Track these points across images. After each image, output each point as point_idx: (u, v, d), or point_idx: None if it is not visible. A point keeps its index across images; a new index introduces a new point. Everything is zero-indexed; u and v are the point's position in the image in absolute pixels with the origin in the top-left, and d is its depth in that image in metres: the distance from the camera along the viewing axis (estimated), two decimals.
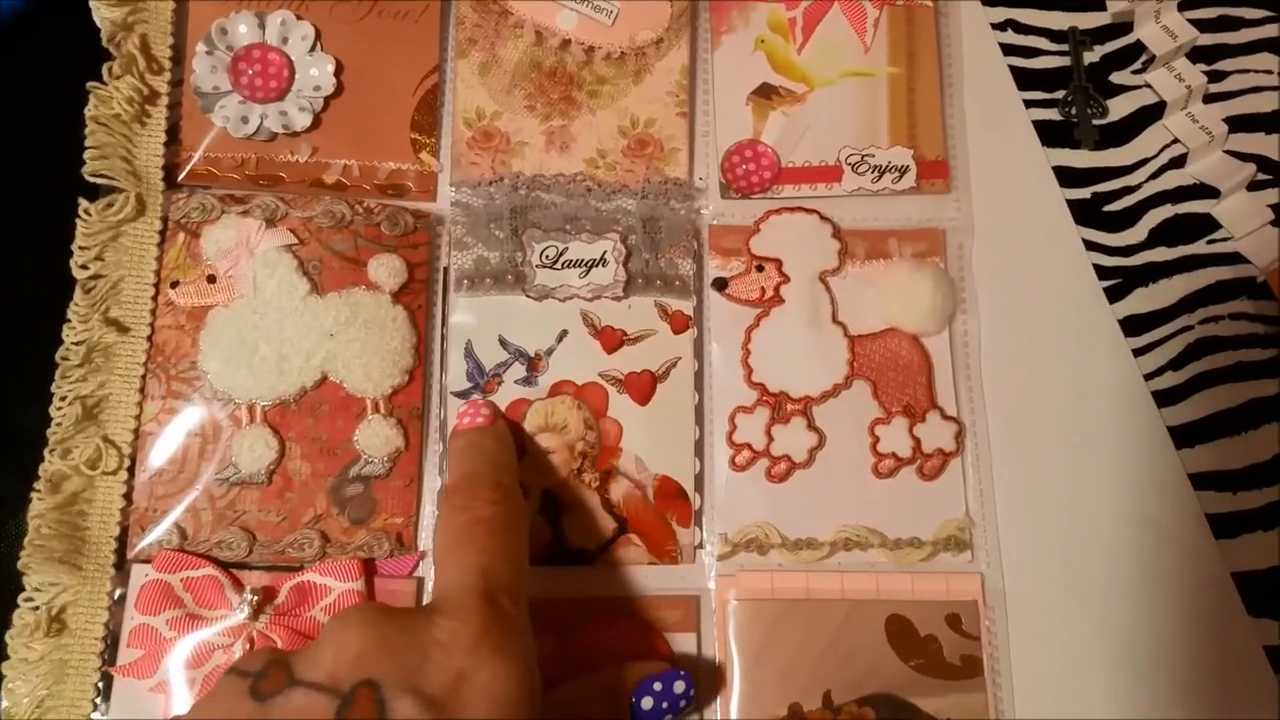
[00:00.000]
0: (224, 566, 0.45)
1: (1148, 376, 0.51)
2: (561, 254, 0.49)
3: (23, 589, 0.44)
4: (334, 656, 0.33)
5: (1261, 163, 0.53)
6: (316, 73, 0.50)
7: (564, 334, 0.49)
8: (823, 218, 0.51)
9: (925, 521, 0.48)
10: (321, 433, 0.46)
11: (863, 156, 0.52)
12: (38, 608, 0.44)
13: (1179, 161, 0.54)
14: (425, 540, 0.47)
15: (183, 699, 0.43)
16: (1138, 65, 0.55)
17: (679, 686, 0.41)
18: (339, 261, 0.48)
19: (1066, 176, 0.53)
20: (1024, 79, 0.55)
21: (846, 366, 0.49)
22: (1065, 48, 0.55)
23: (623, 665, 0.42)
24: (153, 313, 0.47)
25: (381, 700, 0.31)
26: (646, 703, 0.40)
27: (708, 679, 0.45)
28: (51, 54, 0.52)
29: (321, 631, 0.35)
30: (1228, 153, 0.54)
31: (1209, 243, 0.53)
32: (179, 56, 0.50)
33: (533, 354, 0.48)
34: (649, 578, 0.47)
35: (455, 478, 0.42)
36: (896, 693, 0.45)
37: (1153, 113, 0.55)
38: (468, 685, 0.32)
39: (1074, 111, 0.54)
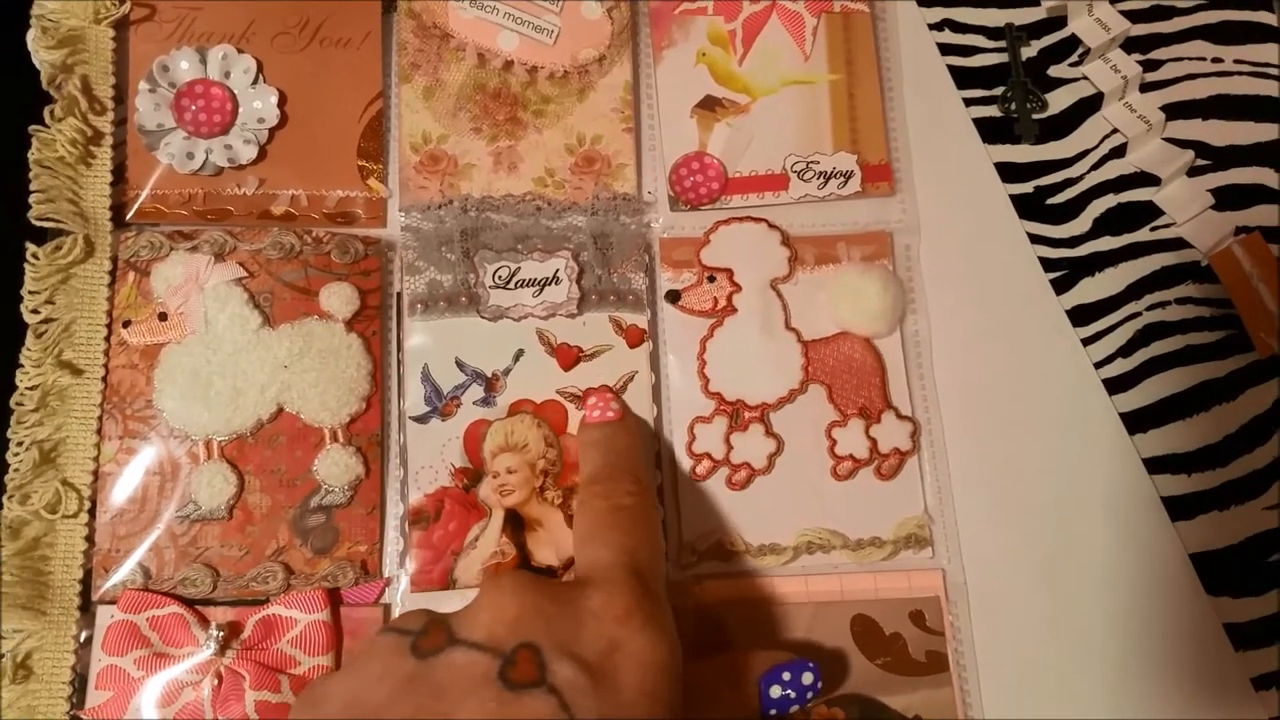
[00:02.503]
0: (189, 604, 0.45)
1: (1098, 365, 0.52)
2: (514, 274, 0.49)
3: None
4: (491, 618, 0.34)
5: (1200, 148, 0.54)
6: (260, 105, 0.50)
7: (520, 353, 0.49)
8: (771, 226, 0.51)
9: (885, 521, 0.48)
10: (280, 464, 0.46)
11: (807, 163, 0.52)
12: (3, 655, 0.43)
13: (1119, 151, 0.55)
14: (390, 567, 0.47)
15: None
16: (1074, 58, 0.56)
17: (807, 678, 0.41)
18: (290, 292, 0.48)
19: (1009, 172, 0.54)
20: (963, 77, 0.55)
21: (801, 372, 0.50)
22: (1002, 44, 0.56)
23: (750, 651, 0.42)
24: (106, 353, 0.47)
25: (542, 663, 0.32)
26: (775, 691, 0.40)
27: (827, 672, 0.45)
28: None
29: (477, 595, 0.36)
30: (1166, 140, 0.55)
31: (1152, 230, 0.54)
32: (121, 95, 0.49)
33: (490, 374, 0.49)
34: None
35: (594, 467, 0.44)
36: (865, 691, 0.46)
37: (1091, 104, 0.55)
38: (621, 653, 0.34)
39: (1014, 107, 0.55)
